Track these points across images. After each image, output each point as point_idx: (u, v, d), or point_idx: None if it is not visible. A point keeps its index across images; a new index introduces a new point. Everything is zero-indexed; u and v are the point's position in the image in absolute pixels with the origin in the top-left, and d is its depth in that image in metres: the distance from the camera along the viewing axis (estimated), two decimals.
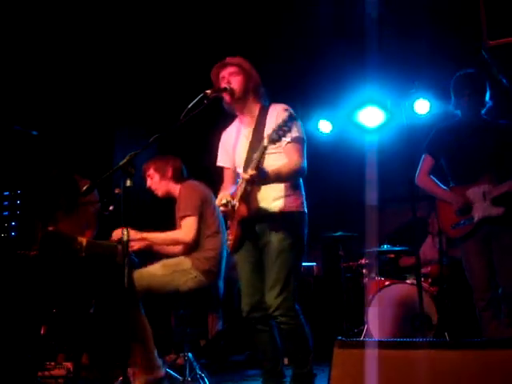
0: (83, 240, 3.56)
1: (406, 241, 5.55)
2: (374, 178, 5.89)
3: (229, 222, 3.36)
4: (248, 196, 3.12)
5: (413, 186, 3.97)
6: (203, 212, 3.92)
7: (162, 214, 4.35)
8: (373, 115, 6.21)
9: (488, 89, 3.75)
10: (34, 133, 4.29)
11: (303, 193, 3.30)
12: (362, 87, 5.91)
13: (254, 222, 3.22)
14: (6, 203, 3.40)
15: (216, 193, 3.53)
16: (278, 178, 3.10)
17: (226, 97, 3.26)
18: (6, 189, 3.44)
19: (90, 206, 4.47)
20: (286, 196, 3.20)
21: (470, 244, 3.71)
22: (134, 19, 5.52)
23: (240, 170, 3.32)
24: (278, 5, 5.45)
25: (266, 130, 3.19)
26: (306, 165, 3.22)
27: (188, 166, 4.28)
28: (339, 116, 6.58)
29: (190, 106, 3.01)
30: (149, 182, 4.14)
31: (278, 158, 3.16)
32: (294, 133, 3.12)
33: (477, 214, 3.67)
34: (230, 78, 3.27)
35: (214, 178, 3.86)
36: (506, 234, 3.64)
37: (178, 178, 4.09)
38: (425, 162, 3.92)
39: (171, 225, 3.98)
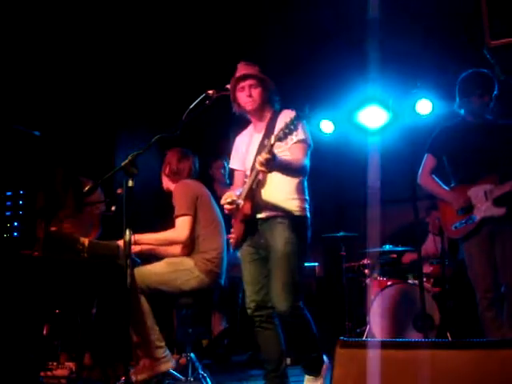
0: (85, 240, 3.56)
1: (408, 241, 5.54)
2: (375, 178, 5.89)
3: (232, 221, 3.41)
4: (253, 195, 3.21)
5: (414, 186, 3.97)
6: (198, 211, 3.92)
7: (164, 214, 4.35)
8: (375, 115, 6.21)
9: (496, 88, 3.74)
10: (37, 133, 4.29)
11: (307, 197, 3.37)
12: (363, 87, 5.91)
13: (257, 221, 3.30)
14: (9, 203, 3.39)
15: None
16: (287, 168, 3.19)
17: (248, 106, 3.37)
18: (9, 189, 3.43)
19: (94, 207, 4.47)
20: (291, 199, 3.28)
21: (473, 244, 3.70)
22: (136, 22, 5.53)
23: (249, 173, 3.40)
24: (279, 4, 5.45)
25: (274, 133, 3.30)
26: (308, 165, 3.29)
27: None
28: (341, 116, 6.58)
29: (191, 106, 3.01)
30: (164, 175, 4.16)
31: None
32: (300, 135, 3.23)
33: (478, 214, 3.66)
34: (251, 89, 3.38)
35: (215, 178, 3.88)
36: (508, 233, 3.64)
37: (174, 176, 4.08)
38: (427, 161, 3.93)
39: (173, 225, 3.98)
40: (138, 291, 3.62)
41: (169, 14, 5.54)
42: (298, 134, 3.19)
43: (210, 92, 3.16)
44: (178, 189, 3.99)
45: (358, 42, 5.17)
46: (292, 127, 2.91)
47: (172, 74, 6.10)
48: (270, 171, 3.10)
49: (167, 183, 4.13)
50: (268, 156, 2.94)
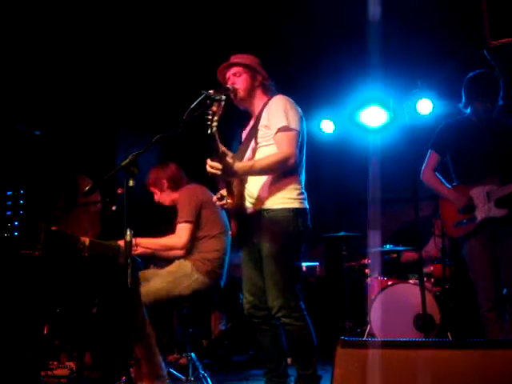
0: (86, 240, 3.56)
1: (409, 241, 5.54)
2: (376, 178, 5.89)
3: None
4: (232, 191, 3.09)
5: (416, 185, 3.95)
6: (201, 215, 3.96)
7: (165, 214, 4.35)
8: (375, 115, 6.22)
9: (501, 89, 3.67)
10: (37, 133, 4.30)
11: (299, 187, 3.16)
12: (364, 87, 5.90)
13: (245, 218, 3.15)
14: (9, 203, 3.40)
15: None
16: (257, 172, 3.05)
17: (231, 97, 3.26)
18: (9, 188, 3.44)
19: (91, 206, 4.47)
20: (272, 193, 3.09)
21: (474, 243, 3.67)
22: (137, 22, 5.52)
23: None
24: (280, 4, 5.44)
25: (261, 121, 3.18)
26: (295, 154, 3.06)
27: (190, 167, 4.28)
28: (342, 116, 6.59)
29: (192, 106, 3.01)
30: (155, 198, 4.24)
31: (269, 151, 3.11)
32: (285, 121, 3.07)
33: (480, 215, 3.64)
34: (234, 78, 3.28)
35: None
36: (509, 234, 3.62)
37: (174, 186, 4.14)
38: (430, 158, 3.86)
39: (173, 225, 3.99)
40: (139, 295, 3.62)
41: (169, 14, 5.53)
42: (283, 120, 3.06)
43: (211, 92, 3.15)
44: (184, 195, 4.04)
45: (358, 42, 5.16)
46: (277, 114, 2.79)
47: (173, 74, 6.10)
48: (224, 179, 3.01)
49: (169, 196, 4.17)
50: (216, 164, 2.87)
